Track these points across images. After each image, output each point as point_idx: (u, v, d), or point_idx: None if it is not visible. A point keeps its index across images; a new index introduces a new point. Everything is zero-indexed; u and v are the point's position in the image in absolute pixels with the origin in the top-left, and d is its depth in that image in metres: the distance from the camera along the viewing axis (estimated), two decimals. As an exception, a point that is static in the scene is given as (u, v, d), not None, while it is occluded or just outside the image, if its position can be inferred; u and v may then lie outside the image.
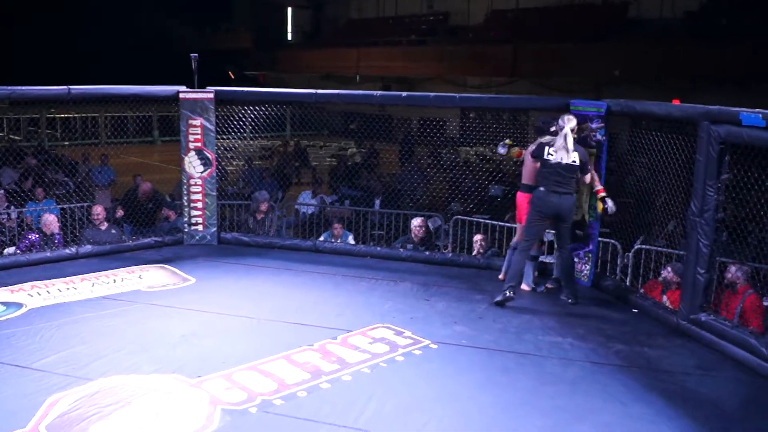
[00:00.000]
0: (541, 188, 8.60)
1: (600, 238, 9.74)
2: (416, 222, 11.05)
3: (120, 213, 11.52)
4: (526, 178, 9.14)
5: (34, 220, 11.28)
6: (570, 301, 8.85)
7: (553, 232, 9.25)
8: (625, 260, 9.68)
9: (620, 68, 23.76)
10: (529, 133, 11.66)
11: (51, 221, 10.61)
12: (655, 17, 24.99)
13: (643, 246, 9.50)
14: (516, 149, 9.49)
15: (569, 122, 8.62)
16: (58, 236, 10.71)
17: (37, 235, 10.48)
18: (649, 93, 18.54)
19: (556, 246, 9.14)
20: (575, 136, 8.66)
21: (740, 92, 18.33)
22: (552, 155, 8.52)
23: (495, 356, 7.24)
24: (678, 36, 23.35)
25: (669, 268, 8.81)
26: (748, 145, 7.23)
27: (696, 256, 7.77)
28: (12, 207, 11.66)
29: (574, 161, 8.52)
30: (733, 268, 8.16)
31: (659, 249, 9.43)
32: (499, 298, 8.66)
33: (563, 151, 8.51)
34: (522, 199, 9.19)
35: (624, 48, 23.83)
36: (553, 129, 8.85)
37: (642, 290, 9.19)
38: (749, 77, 20.25)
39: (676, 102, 8.79)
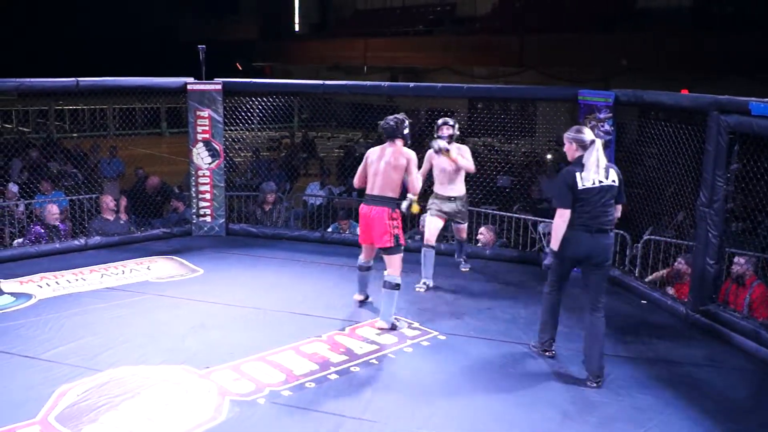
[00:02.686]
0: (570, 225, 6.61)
1: (608, 229, 9.72)
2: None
3: (123, 202, 11.50)
4: (394, 188, 7.67)
5: (43, 212, 11.28)
6: (594, 385, 6.50)
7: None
8: (634, 251, 9.65)
9: (628, 58, 23.71)
10: (539, 125, 11.63)
11: (54, 212, 10.61)
12: (663, 6, 24.90)
13: (653, 237, 9.47)
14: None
15: (588, 132, 6.81)
16: (63, 226, 10.72)
17: (43, 229, 10.47)
18: (658, 83, 18.49)
19: (589, 307, 6.78)
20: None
21: (749, 82, 18.24)
22: (587, 181, 6.56)
23: (503, 347, 7.24)
24: (686, 25, 23.28)
25: (682, 260, 8.78)
26: (757, 134, 7.21)
27: (705, 246, 7.76)
28: (21, 199, 11.68)
29: (614, 181, 6.66)
30: (741, 260, 8.14)
31: (668, 240, 9.40)
32: (543, 353, 7.16)
33: (597, 169, 6.60)
34: (382, 214, 7.62)
35: (632, 38, 23.75)
36: (407, 131, 7.73)
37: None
38: (758, 66, 20.16)
39: (684, 92, 8.76)
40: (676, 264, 8.85)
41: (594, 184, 6.53)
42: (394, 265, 7.63)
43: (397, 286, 7.61)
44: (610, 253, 6.71)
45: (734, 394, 6.46)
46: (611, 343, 7.39)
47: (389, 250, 7.62)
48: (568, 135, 6.82)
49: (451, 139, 9.07)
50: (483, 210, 11.22)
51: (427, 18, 34.86)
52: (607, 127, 9.19)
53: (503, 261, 10.15)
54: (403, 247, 7.71)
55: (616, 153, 9.45)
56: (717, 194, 7.60)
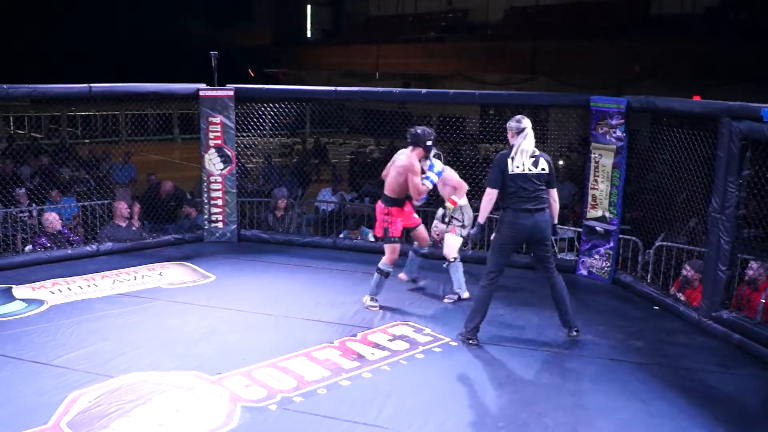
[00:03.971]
0: (510, 209, 7.31)
1: (621, 235, 9.71)
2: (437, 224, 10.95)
3: (137, 208, 11.51)
4: (393, 189, 8.42)
5: (41, 226, 11.24)
6: (574, 333, 7.58)
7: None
8: (646, 257, 9.63)
9: (640, 65, 23.65)
10: (551, 131, 11.62)
11: (52, 220, 10.61)
12: (676, 13, 24.85)
13: (664, 243, 9.45)
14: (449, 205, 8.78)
15: (526, 121, 7.36)
16: (66, 231, 10.72)
17: (45, 238, 10.46)
18: (670, 89, 18.47)
19: (542, 274, 7.66)
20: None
21: (762, 88, 18.18)
22: (518, 167, 7.18)
23: (515, 353, 7.23)
24: (699, 32, 23.22)
25: (688, 266, 8.78)
26: (769, 141, 7.19)
27: (717, 252, 7.74)
28: (33, 205, 11.71)
29: (543, 169, 7.27)
30: (754, 265, 8.12)
31: (680, 246, 9.38)
32: (465, 341, 7.52)
33: (528, 156, 7.24)
34: (379, 208, 8.57)
35: (644, 44, 23.69)
36: (431, 143, 8.38)
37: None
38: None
39: (696, 98, 8.74)
40: (683, 271, 8.83)
41: (522, 171, 7.18)
42: (385, 254, 8.50)
43: (380, 271, 8.47)
44: (549, 230, 7.40)
45: (747, 400, 6.44)
46: (623, 348, 7.40)
47: (382, 240, 8.65)
48: (509, 123, 7.37)
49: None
50: (495, 216, 11.19)
51: (439, 24, 34.86)
52: (619, 133, 9.24)
53: (515, 267, 10.10)
54: (395, 239, 8.43)
55: (628, 159, 9.44)
56: (729, 200, 7.58)
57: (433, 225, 9.51)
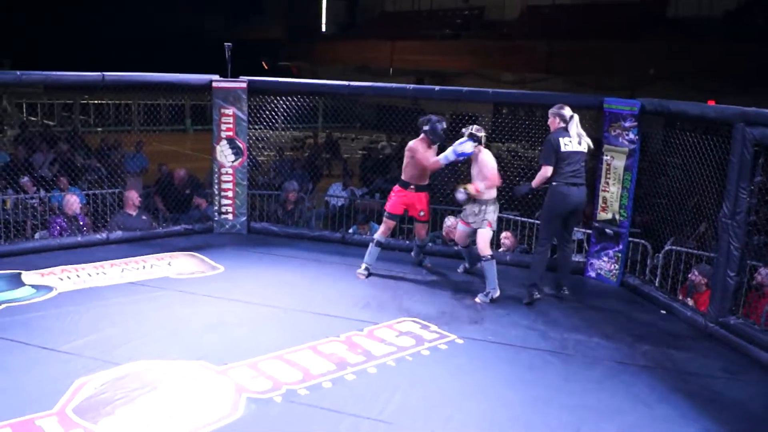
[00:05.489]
0: (556, 182, 8.60)
1: (630, 238, 9.69)
2: (449, 222, 10.94)
3: (160, 205, 11.53)
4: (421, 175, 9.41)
5: (60, 207, 11.30)
6: (566, 292, 9.07)
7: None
8: (655, 261, 9.61)
9: (656, 67, 23.59)
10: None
11: (73, 202, 10.64)
12: (693, 16, 24.78)
13: (674, 247, 9.43)
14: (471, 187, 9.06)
15: (568, 108, 8.75)
16: (81, 216, 10.74)
17: (62, 218, 10.49)
18: (685, 93, 18.40)
19: (558, 240, 9.11)
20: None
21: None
22: (568, 144, 8.53)
23: (521, 353, 7.23)
24: (715, 35, 23.15)
25: (695, 271, 8.76)
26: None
27: (726, 258, 7.71)
28: (42, 191, 11.73)
29: (584, 148, 8.67)
30: (763, 271, 8.11)
31: (690, 251, 9.36)
32: (527, 300, 8.72)
33: (576, 137, 8.60)
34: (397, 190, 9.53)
35: (660, 47, 23.64)
36: (427, 128, 9.21)
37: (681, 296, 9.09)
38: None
39: (711, 103, 8.71)
40: (690, 275, 8.82)
41: (572, 148, 8.51)
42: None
43: (375, 242, 9.55)
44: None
45: (752, 406, 6.42)
46: (629, 351, 7.39)
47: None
48: (552, 110, 8.75)
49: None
50: (504, 215, 11.19)
51: (454, 22, 34.90)
52: (631, 136, 9.22)
53: (523, 267, 10.11)
54: (387, 214, 9.54)
55: (640, 162, 9.42)
56: (740, 206, 7.55)
57: (445, 219, 9.74)
